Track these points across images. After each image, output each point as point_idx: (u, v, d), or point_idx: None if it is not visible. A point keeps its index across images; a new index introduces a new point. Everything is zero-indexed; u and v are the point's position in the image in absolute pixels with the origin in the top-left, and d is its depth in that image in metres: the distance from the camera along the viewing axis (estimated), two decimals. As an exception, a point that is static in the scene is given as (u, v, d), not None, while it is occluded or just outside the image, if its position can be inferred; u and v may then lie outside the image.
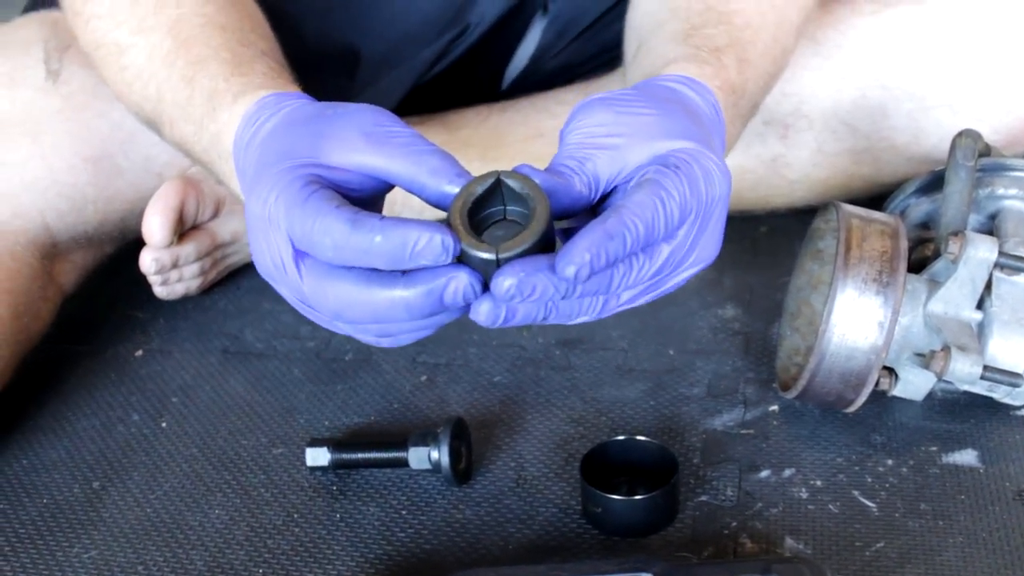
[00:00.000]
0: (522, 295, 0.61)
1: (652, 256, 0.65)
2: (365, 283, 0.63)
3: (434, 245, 0.61)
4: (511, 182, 0.63)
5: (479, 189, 0.63)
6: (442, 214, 0.65)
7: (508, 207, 0.65)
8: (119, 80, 0.89)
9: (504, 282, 0.61)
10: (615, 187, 0.67)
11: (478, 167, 0.89)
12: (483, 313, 0.63)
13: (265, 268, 0.68)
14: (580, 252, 0.60)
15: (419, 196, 0.66)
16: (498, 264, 0.61)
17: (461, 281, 0.62)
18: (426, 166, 0.65)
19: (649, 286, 0.67)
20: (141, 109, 0.88)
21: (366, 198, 0.67)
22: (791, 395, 0.85)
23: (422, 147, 0.66)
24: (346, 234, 0.61)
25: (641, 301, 0.68)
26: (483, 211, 0.64)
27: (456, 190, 0.64)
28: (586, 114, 0.69)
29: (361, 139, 0.66)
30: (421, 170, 0.65)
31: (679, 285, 0.69)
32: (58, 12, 1.04)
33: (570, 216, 0.67)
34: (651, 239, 0.63)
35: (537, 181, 0.63)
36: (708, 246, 0.68)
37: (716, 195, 0.66)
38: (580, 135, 0.68)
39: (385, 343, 0.68)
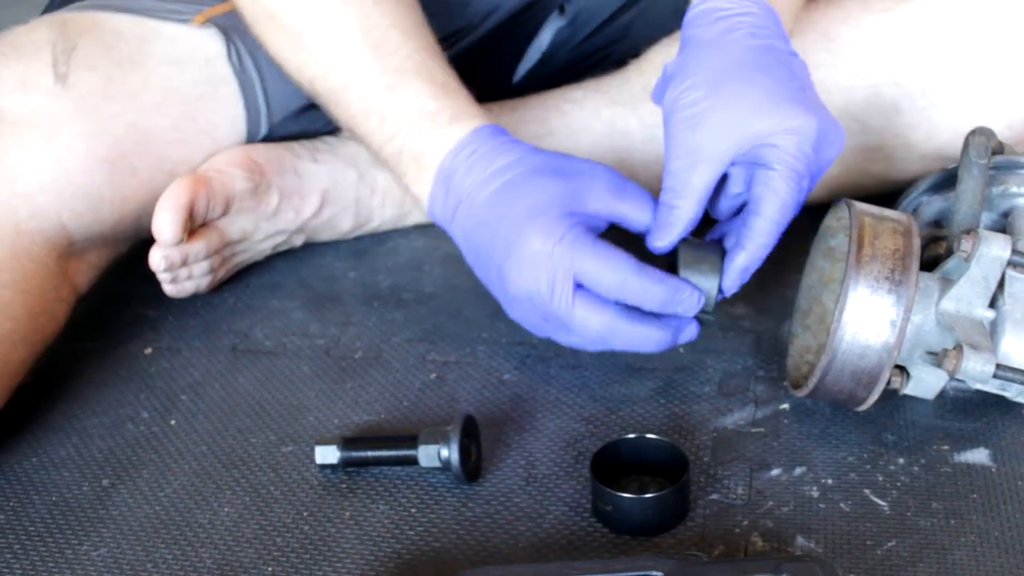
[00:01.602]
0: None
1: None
2: (628, 318, 0.84)
3: (692, 299, 0.84)
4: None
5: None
6: None
7: None
8: (288, 56, 0.97)
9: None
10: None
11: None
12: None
13: (523, 293, 0.85)
14: (730, 287, 0.86)
15: (645, 236, 0.87)
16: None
17: (692, 330, 0.87)
18: (656, 217, 0.86)
19: None
20: (311, 86, 0.97)
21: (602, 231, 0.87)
22: (802, 393, 0.84)
23: (649, 200, 0.87)
24: (633, 275, 0.82)
25: None
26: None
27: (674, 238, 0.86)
28: (670, 118, 0.85)
29: (609, 194, 0.86)
30: (653, 220, 0.86)
31: None
32: (68, 12, 1.04)
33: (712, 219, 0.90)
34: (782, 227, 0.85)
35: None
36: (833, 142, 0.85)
37: (822, 159, 0.84)
38: (673, 152, 0.85)
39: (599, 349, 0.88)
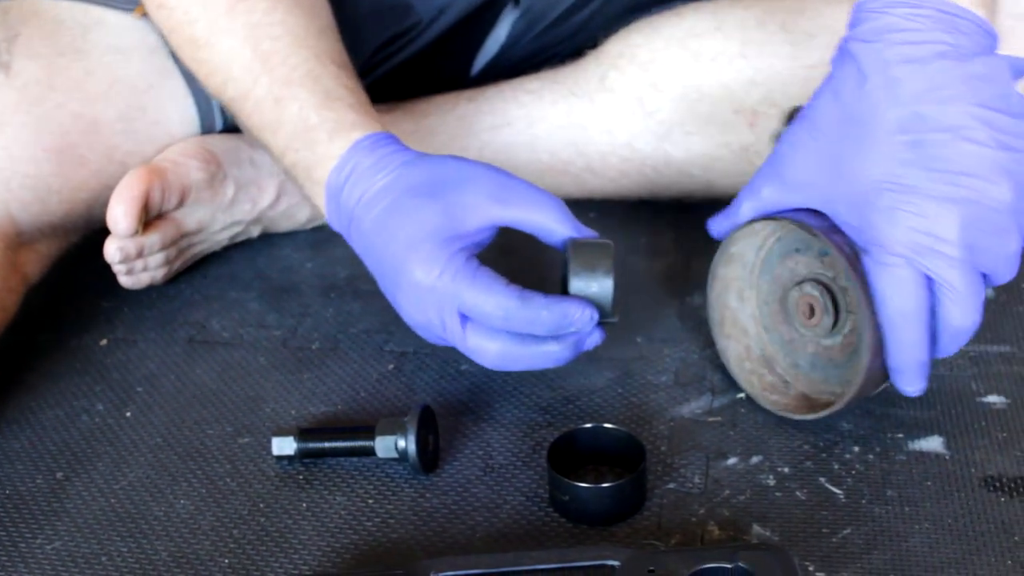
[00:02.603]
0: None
1: None
2: (521, 342, 0.82)
3: (585, 317, 0.81)
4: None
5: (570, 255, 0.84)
6: None
7: None
8: (195, 68, 0.96)
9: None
10: None
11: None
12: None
13: (418, 323, 0.85)
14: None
15: (542, 239, 0.85)
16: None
17: (596, 337, 0.84)
18: (549, 216, 0.84)
19: None
20: (218, 96, 0.96)
21: (491, 239, 0.85)
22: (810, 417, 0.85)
23: (539, 197, 0.85)
24: (517, 308, 0.80)
25: None
26: None
27: (572, 233, 0.84)
28: None
29: (489, 202, 0.83)
30: (547, 219, 0.84)
31: None
32: (6, 1, 1.03)
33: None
34: None
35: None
36: None
37: None
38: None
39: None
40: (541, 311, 0.80)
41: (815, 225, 0.80)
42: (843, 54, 0.79)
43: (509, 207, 0.84)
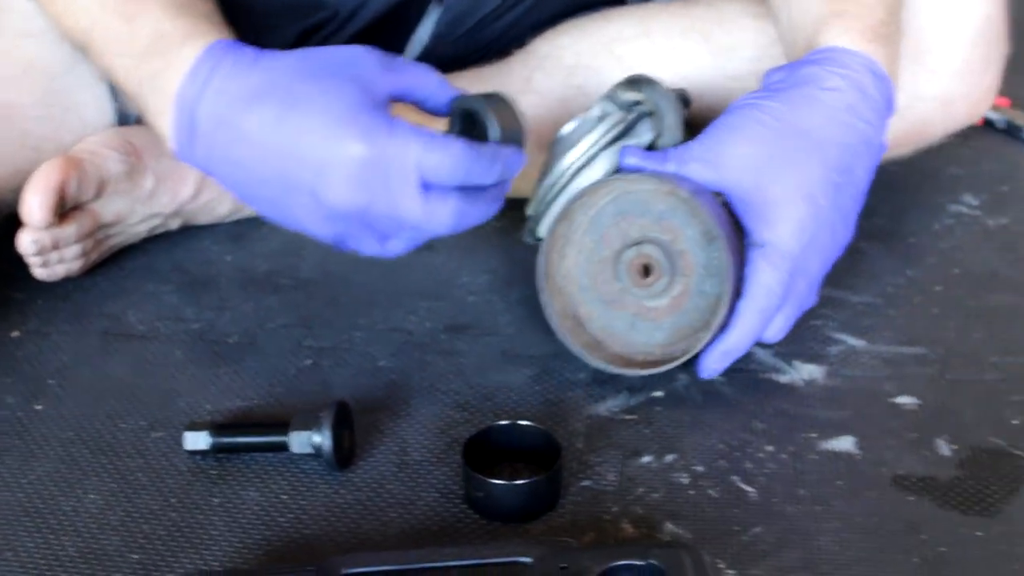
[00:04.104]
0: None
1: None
2: (468, 197, 0.80)
3: (519, 158, 0.82)
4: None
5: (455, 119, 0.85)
6: None
7: None
8: (49, 10, 0.91)
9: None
10: None
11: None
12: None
13: (355, 206, 0.78)
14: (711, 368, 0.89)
15: (428, 105, 0.84)
16: None
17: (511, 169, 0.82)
18: (433, 80, 0.83)
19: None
20: (72, 37, 0.90)
21: None
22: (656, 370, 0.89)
23: (419, 65, 0.83)
24: (475, 160, 0.78)
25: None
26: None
27: (453, 93, 0.84)
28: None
29: (385, 73, 0.80)
30: (432, 83, 0.83)
31: None
32: None
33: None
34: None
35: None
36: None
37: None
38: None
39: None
40: (493, 160, 0.80)
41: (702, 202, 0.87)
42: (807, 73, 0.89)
43: (400, 75, 0.82)
